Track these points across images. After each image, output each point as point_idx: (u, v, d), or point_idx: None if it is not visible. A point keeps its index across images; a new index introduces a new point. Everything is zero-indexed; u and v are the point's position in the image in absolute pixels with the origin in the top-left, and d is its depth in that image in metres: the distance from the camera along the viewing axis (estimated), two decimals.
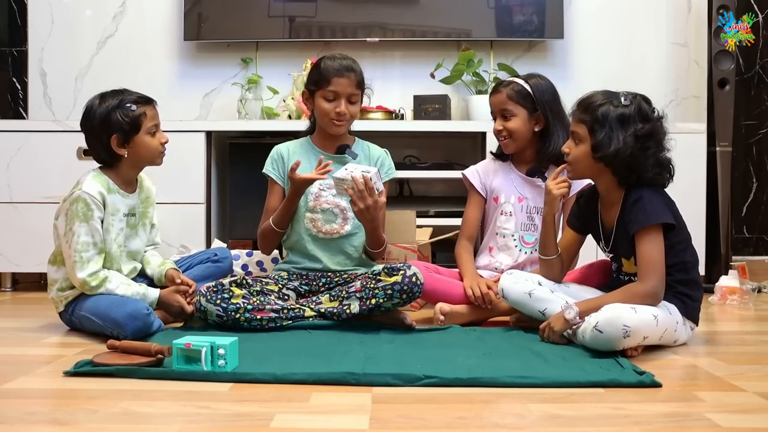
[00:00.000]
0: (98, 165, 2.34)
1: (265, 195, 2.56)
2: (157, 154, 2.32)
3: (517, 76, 2.58)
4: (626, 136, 2.00)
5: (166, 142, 2.33)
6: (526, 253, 2.54)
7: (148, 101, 2.30)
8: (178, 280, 2.35)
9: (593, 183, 2.19)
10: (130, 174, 2.34)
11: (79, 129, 2.31)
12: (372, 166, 2.48)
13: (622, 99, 2.04)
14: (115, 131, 2.23)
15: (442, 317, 2.34)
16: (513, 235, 2.53)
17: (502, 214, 2.55)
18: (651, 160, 2.02)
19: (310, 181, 2.35)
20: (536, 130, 2.49)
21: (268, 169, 2.53)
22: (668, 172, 2.07)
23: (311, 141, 2.56)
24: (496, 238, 2.57)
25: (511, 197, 2.55)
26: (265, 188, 2.55)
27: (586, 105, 2.08)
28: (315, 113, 2.49)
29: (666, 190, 2.12)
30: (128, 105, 2.24)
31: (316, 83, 2.44)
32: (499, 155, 2.62)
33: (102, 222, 2.25)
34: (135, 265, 2.41)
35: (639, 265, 2.03)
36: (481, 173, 2.62)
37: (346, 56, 2.49)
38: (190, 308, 2.29)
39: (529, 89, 2.47)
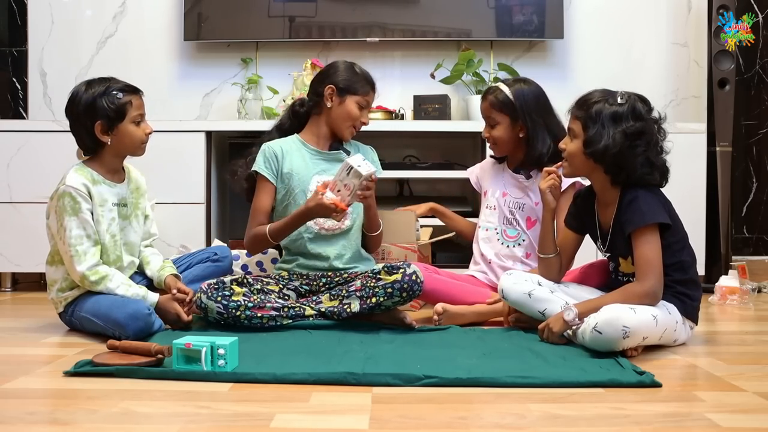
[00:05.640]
0: (81, 160, 2.32)
1: None
2: (140, 144, 2.30)
3: (512, 77, 2.61)
4: (616, 132, 2.02)
5: (150, 133, 2.32)
6: (508, 246, 2.58)
7: (134, 90, 2.29)
8: (174, 290, 2.31)
9: (590, 182, 2.20)
10: (114, 163, 2.33)
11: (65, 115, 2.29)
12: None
13: (618, 98, 2.06)
14: (100, 118, 2.22)
15: (435, 317, 2.34)
16: (496, 229, 2.60)
17: (486, 208, 2.64)
18: (640, 159, 2.03)
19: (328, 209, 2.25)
20: (521, 136, 2.52)
21: (261, 167, 2.46)
22: (660, 173, 2.07)
23: (302, 139, 2.53)
24: (481, 230, 2.64)
25: (496, 192, 2.62)
26: None
27: (582, 102, 2.11)
28: (334, 113, 2.45)
29: (665, 189, 2.12)
30: (114, 92, 2.23)
31: (358, 89, 2.45)
32: (497, 157, 2.68)
33: (92, 214, 2.24)
34: (133, 259, 2.40)
35: (637, 266, 2.03)
36: (478, 171, 2.77)
37: None
38: (186, 317, 2.26)
39: (511, 97, 2.49)
